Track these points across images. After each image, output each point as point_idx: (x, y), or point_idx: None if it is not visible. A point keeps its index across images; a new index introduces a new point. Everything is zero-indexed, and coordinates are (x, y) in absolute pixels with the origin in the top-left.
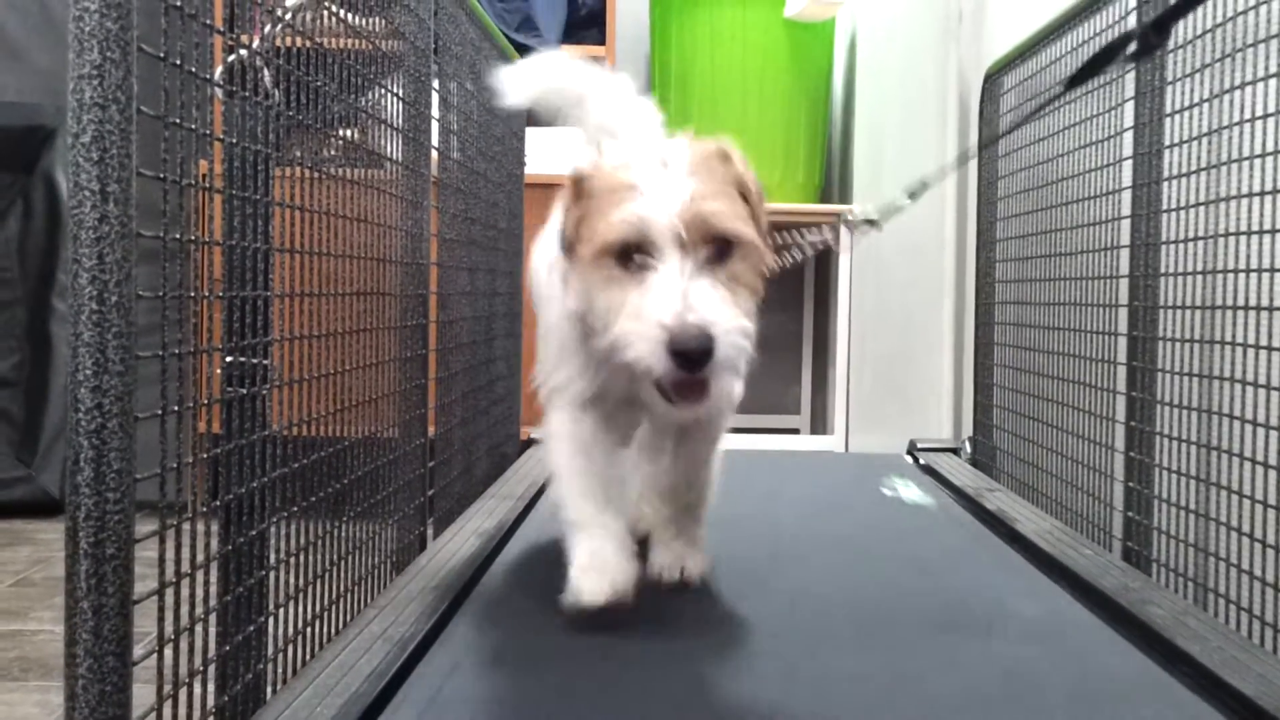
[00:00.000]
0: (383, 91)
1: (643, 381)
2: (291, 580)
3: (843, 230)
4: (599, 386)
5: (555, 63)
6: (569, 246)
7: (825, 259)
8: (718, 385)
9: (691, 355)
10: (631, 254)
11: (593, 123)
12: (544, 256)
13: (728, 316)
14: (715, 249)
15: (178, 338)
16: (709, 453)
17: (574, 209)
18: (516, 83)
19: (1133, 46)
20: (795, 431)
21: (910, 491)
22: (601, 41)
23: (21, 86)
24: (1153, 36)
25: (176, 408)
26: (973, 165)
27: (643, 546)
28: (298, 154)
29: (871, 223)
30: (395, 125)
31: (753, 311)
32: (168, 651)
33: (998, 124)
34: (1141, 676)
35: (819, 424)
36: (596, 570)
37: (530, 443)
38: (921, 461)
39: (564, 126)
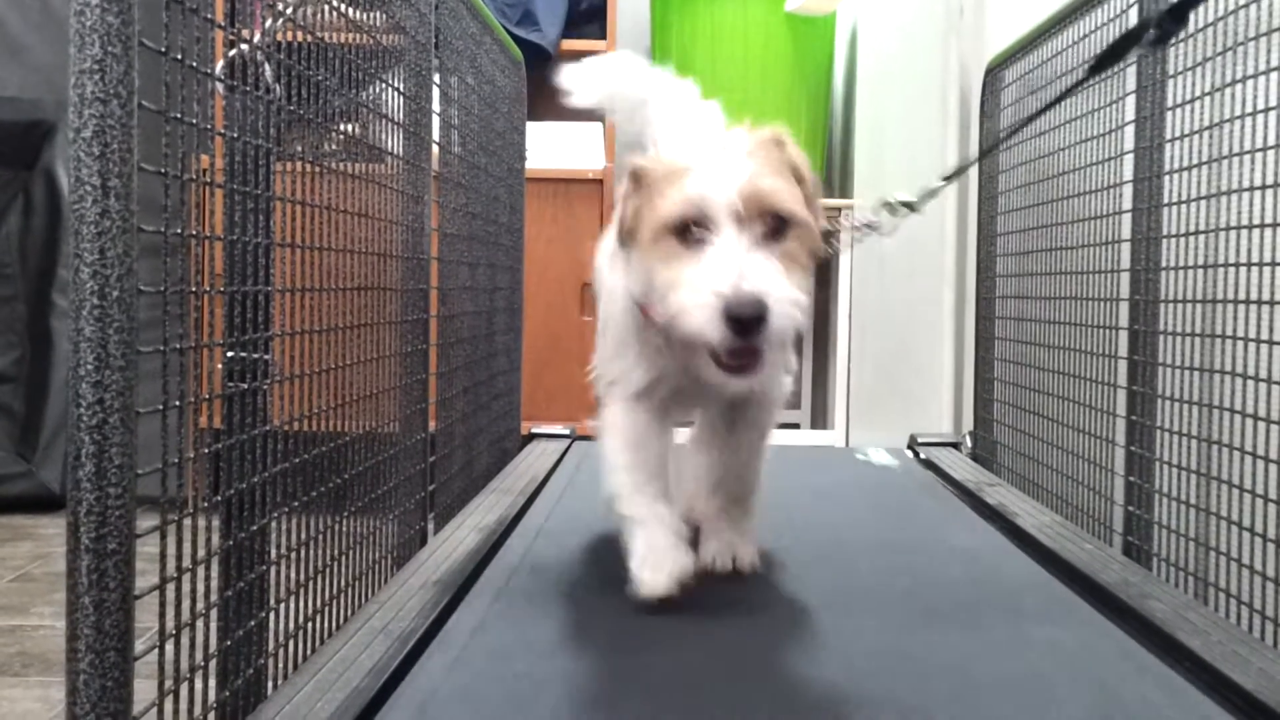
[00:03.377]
0: (383, 86)
1: (698, 353)
2: (292, 575)
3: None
4: (655, 377)
5: (621, 65)
6: (628, 235)
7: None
8: (771, 355)
9: (746, 321)
10: (690, 229)
11: (656, 126)
12: (605, 251)
13: (782, 287)
14: (771, 225)
15: (179, 333)
16: (759, 445)
17: (633, 199)
18: (582, 84)
19: (1151, 34)
20: (796, 427)
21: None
22: (602, 36)
23: (22, 82)
24: (1168, 23)
25: (178, 403)
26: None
27: (694, 535)
28: (299, 149)
29: (910, 206)
30: (396, 120)
31: (805, 288)
32: (169, 646)
33: (999, 119)
34: (1142, 671)
35: (819, 419)
36: (654, 564)
37: (531, 437)
38: (922, 456)
39: (628, 127)
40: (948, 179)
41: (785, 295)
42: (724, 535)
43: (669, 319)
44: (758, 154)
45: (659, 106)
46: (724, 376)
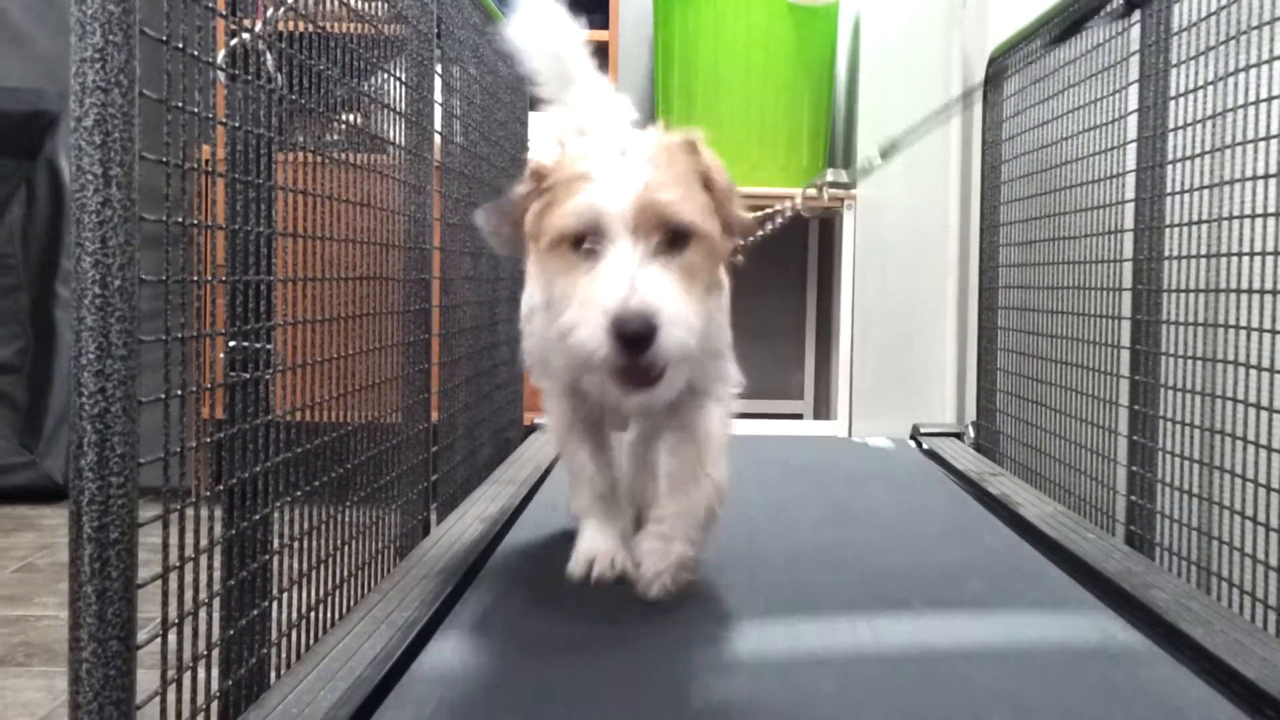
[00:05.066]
0: (385, 76)
1: (593, 369)
2: (295, 565)
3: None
4: (574, 374)
5: (570, 35)
6: (533, 237)
7: (829, 244)
8: (664, 371)
9: (633, 339)
10: (584, 242)
11: (569, 106)
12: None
13: (674, 304)
14: (667, 237)
15: (180, 322)
16: (709, 440)
17: (536, 201)
18: (531, 30)
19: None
20: (799, 417)
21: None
22: (605, 25)
23: (24, 71)
24: None
25: (180, 392)
26: (976, 149)
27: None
28: (300, 138)
29: (843, 185)
30: (398, 110)
31: (705, 303)
32: (171, 636)
33: (1002, 108)
34: (1144, 661)
35: (822, 409)
36: (600, 554)
37: (534, 428)
38: (925, 446)
39: (540, 97)
40: (885, 155)
41: (676, 312)
42: (668, 546)
43: (561, 331)
44: (661, 160)
45: (582, 92)
46: (620, 393)
